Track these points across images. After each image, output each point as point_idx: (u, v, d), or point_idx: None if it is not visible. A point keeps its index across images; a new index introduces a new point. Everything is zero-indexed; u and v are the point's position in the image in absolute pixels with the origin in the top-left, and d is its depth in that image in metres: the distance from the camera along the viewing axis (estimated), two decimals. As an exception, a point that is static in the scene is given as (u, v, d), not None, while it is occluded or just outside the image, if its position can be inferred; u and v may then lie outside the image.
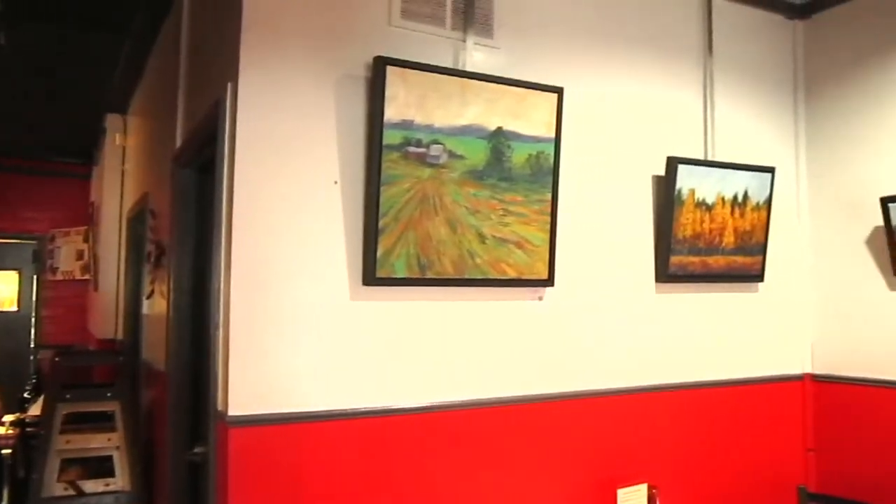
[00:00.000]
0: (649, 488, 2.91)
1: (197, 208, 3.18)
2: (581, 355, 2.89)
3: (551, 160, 2.69)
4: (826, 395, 3.48)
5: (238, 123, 2.31)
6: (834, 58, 3.52)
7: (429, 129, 2.46)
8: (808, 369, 3.54)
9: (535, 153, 2.66)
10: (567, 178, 2.79)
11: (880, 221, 3.15)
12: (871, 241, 3.31)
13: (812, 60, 3.62)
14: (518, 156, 2.63)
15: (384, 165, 2.38)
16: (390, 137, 2.39)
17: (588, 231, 2.93)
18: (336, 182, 2.42)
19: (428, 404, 2.55)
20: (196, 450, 2.71)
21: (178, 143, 3.38)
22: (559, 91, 2.69)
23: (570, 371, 2.86)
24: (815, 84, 3.60)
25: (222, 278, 2.37)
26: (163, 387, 3.48)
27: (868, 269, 3.32)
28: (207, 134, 2.63)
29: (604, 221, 2.99)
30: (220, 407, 2.35)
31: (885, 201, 3.10)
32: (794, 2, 3.63)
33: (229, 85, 2.36)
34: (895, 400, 3.19)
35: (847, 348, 3.42)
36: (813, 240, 3.58)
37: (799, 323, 3.56)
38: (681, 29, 3.27)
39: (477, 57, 2.69)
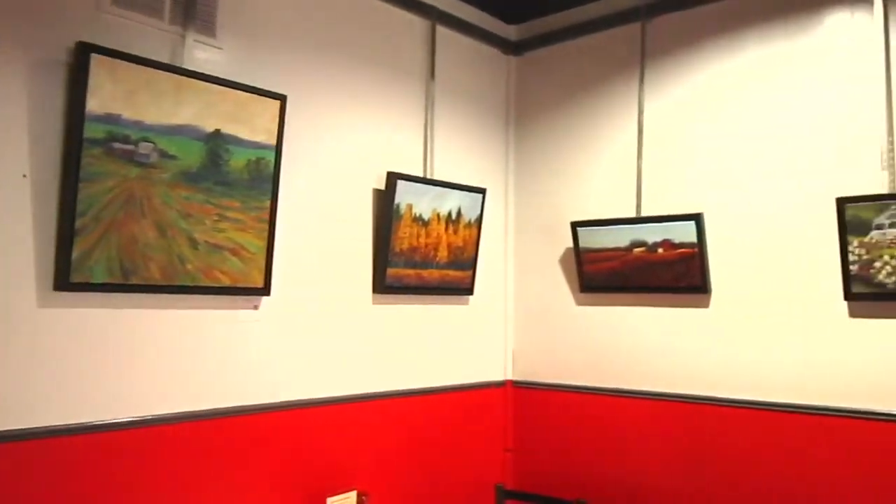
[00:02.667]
0: (359, 495, 2.97)
1: None
2: (296, 365, 2.88)
3: (272, 167, 2.66)
4: (524, 399, 3.82)
5: None
6: (540, 94, 3.89)
7: (138, 125, 2.30)
8: (510, 376, 3.87)
9: (255, 159, 2.61)
10: (288, 186, 2.78)
11: (570, 243, 3.53)
12: (563, 261, 3.69)
13: (522, 94, 3.97)
14: (237, 160, 2.56)
15: (84, 161, 2.19)
16: (92, 131, 2.20)
17: (307, 240, 2.94)
18: (25, 176, 2.17)
19: (132, 419, 2.38)
20: None
21: None
22: (282, 98, 2.67)
23: (285, 381, 2.84)
24: (524, 116, 3.96)
25: None
26: None
27: (560, 285, 3.70)
28: None
29: (324, 231, 3.01)
30: None
31: (574, 225, 3.48)
32: (510, 38, 3.96)
33: None
34: (581, 403, 3.58)
35: (542, 357, 3.78)
36: (516, 257, 3.93)
37: (503, 333, 3.87)
38: (407, 52, 3.41)
39: (197, 55, 2.58)
